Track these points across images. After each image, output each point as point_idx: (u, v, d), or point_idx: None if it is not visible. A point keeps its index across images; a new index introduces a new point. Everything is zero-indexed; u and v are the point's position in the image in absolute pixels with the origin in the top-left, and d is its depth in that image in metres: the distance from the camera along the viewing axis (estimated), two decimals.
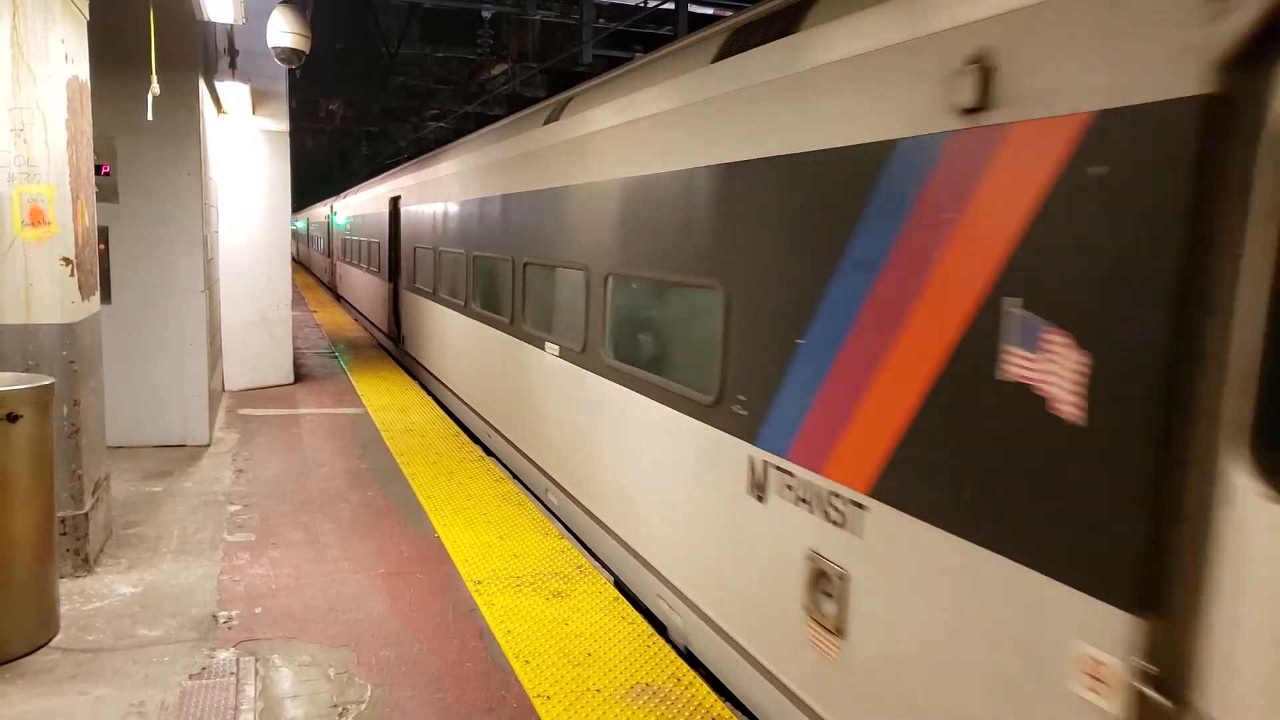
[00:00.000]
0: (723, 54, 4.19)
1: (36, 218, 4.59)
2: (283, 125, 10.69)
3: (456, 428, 9.07)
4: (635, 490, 5.10)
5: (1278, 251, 1.88)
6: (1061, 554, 2.31)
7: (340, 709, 3.71)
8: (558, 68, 15.70)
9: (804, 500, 3.44)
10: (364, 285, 18.97)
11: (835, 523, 3.24)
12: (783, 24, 3.74)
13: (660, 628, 4.75)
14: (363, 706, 3.74)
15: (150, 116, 6.38)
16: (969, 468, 2.62)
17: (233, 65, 9.26)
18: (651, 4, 14.54)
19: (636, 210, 4.97)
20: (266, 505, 6.35)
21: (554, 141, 6.47)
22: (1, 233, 4.53)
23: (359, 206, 19.71)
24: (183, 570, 5.10)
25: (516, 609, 4.76)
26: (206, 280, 8.02)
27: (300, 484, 6.91)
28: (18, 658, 3.99)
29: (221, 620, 4.48)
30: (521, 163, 7.24)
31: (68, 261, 4.71)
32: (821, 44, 3.39)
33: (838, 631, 3.23)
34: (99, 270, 5.47)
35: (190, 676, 3.90)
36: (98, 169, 6.92)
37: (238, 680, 3.88)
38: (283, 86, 10.62)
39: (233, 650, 4.16)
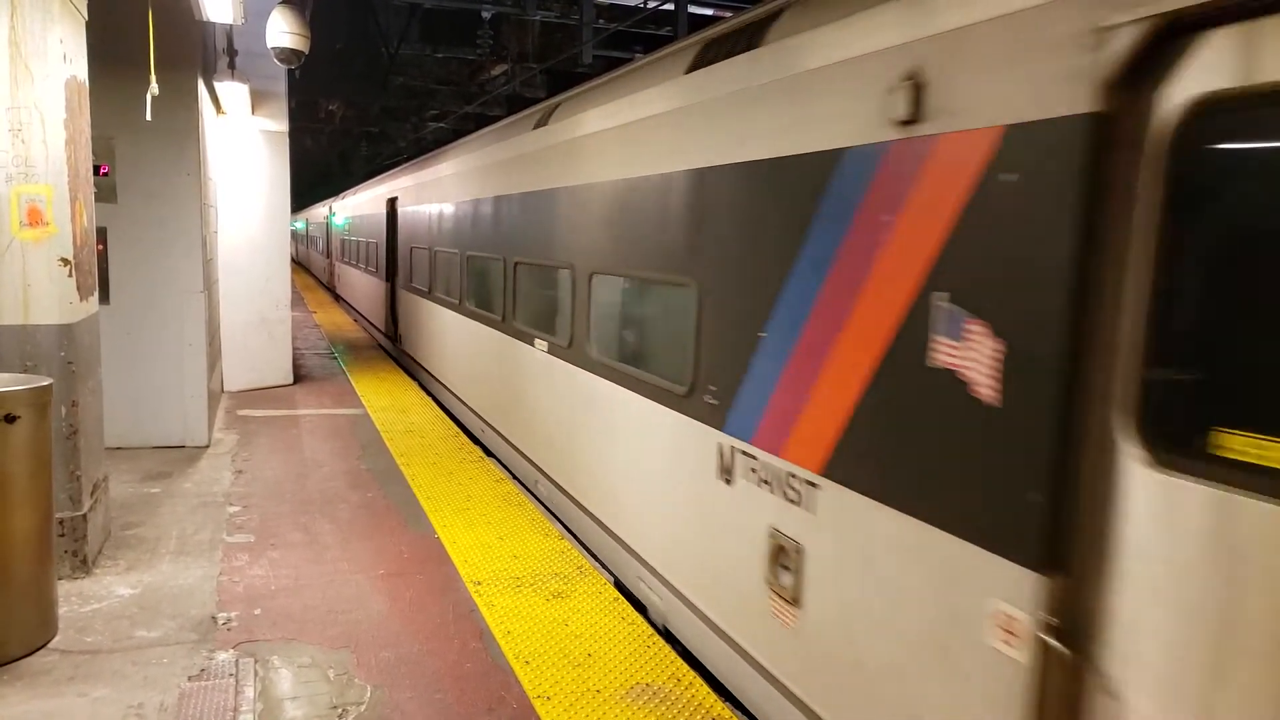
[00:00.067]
0: (695, 65, 4.42)
1: (35, 218, 4.58)
2: (282, 125, 10.68)
3: (456, 428, 9.06)
4: (618, 479, 5.33)
5: (1158, 250, 2.13)
6: (982, 522, 2.58)
7: (340, 710, 3.70)
8: (558, 68, 15.69)
9: (766, 481, 3.70)
10: (362, 285, 19.15)
11: (792, 501, 3.52)
12: (747, 39, 3.98)
13: (642, 609, 4.87)
14: (362, 708, 3.72)
15: (149, 117, 6.36)
16: (904, 447, 2.90)
17: (232, 65, 9.25)
18: (651, 5, 14.53)
19: (618, 212, 5.22)
20: (266, 506, 6.34)
21: (542, 146, 6.71)
22: None
23: (357, 207, 19.88)
24: (182, 571, 5.09)
25: (516, 610, 4.74)
26: (205, 281, 8.01)
27: (300, 485, 6.90)
28: (16, 659, 3.98)
29: (221, 621, 4.46)
30: (512, 166, 7.47)
31: (66, 262, 4.70)
32: (780, 59, 3.66)
33: (794, 601, 3.51)
34: (97, 271, 5.46)
35: (189, 678, 3.89)
36: (96, 169, 6.91)
37: (237, 681, 3.87)
38: (282, 87, 10.61)
39: (232, 651, 4.15)
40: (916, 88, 2.83)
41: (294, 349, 11.58)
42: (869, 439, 3.07)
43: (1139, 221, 2.17)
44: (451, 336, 10.08)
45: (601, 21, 15.50)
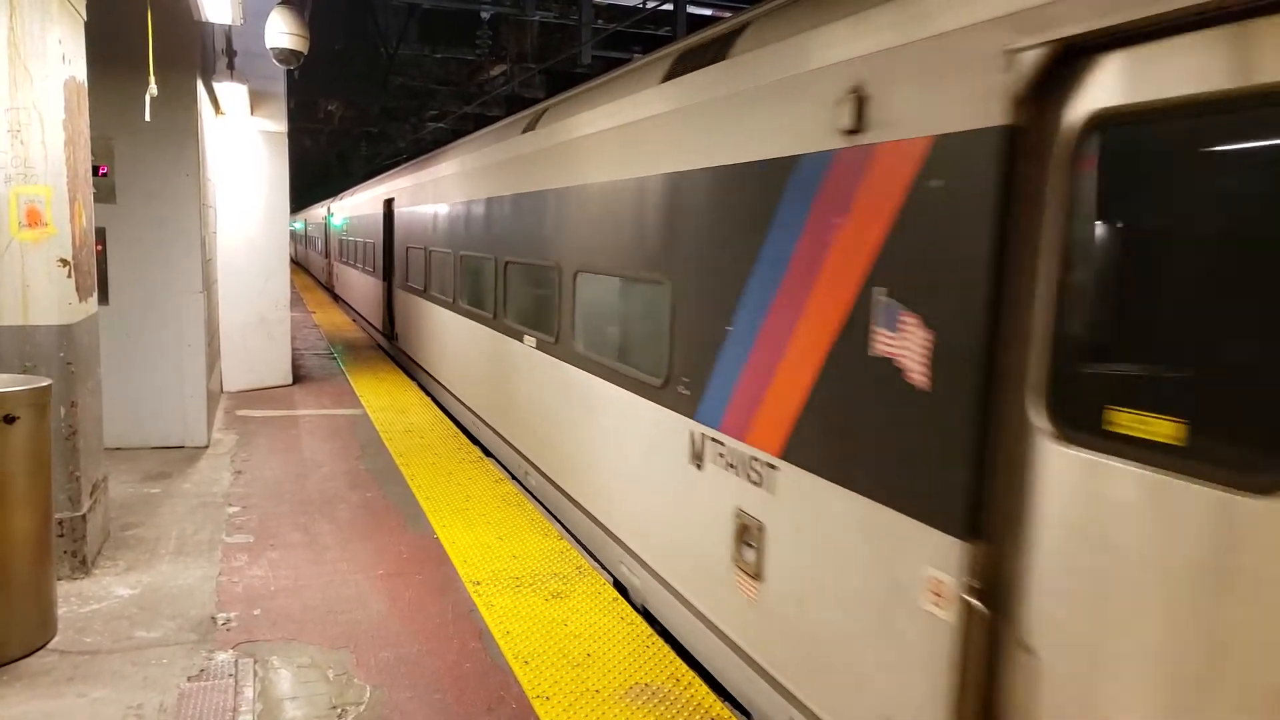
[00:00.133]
0: (669, 75, 4.67)
1: (34, 219, 4.58)
2: (281, 126, 10.68)
3: (455, 428, 9.07)
4: (602, 469, 5.58)
5: (1061, 249, 2.39)
6: (916, 496, 2.83)
7: (339, 710, 3.70)
8: (557, 69, 15.69)
9: (732, 465, 3.96)
10: (360, 284, 19.35)
11: (755, 482, 3.78)
12: (715, 52, 4.24)
13: (623, 591, 4.99)
14: (362, 708, 3.73)
15: (148, 117, 6.36)
16: (850, 430, 3.16)
17: (231, 66, 9.25)
18: (650, 5, 14.53)
19: (600, 213, 5.48)
20: (265, 506, 6.34)
21: (530, 149, 6.98)
22: None
23: (355, 208, 20.06)
24: (181, 572, 5.09)
25: (516, 610, 4.75)
26: (205, 281, 8.01)
27: (299, 485, 6.90)
28: (15, 660, 3.98)
29: (220, 622, 4.46)
30: (503, 168, 7.73)
31: (65, 263, 4.70)
32: (743, 71, 3.92)
33: (756, 576, 3.77)
34: (96, 271, 5.46)
35: (189, 678, 3.89)
36: (95, 170, 6.92)
37: (236, 682, 3.87)
38: (281, 87, 10.61)
39: (231, 652, 4.15)
40: (860, 100, 3.08)
41: (293, 349, 11.58)
42: (821, 423, 3.33)
43: (1047, 224, 2.43)
44: (446, 334, 10.29)
45: (600, 22, 15.49)
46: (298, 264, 41.60)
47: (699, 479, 4.25)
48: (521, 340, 7.19)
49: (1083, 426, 2.34)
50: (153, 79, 6.12)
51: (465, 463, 7.74)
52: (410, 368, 12.65)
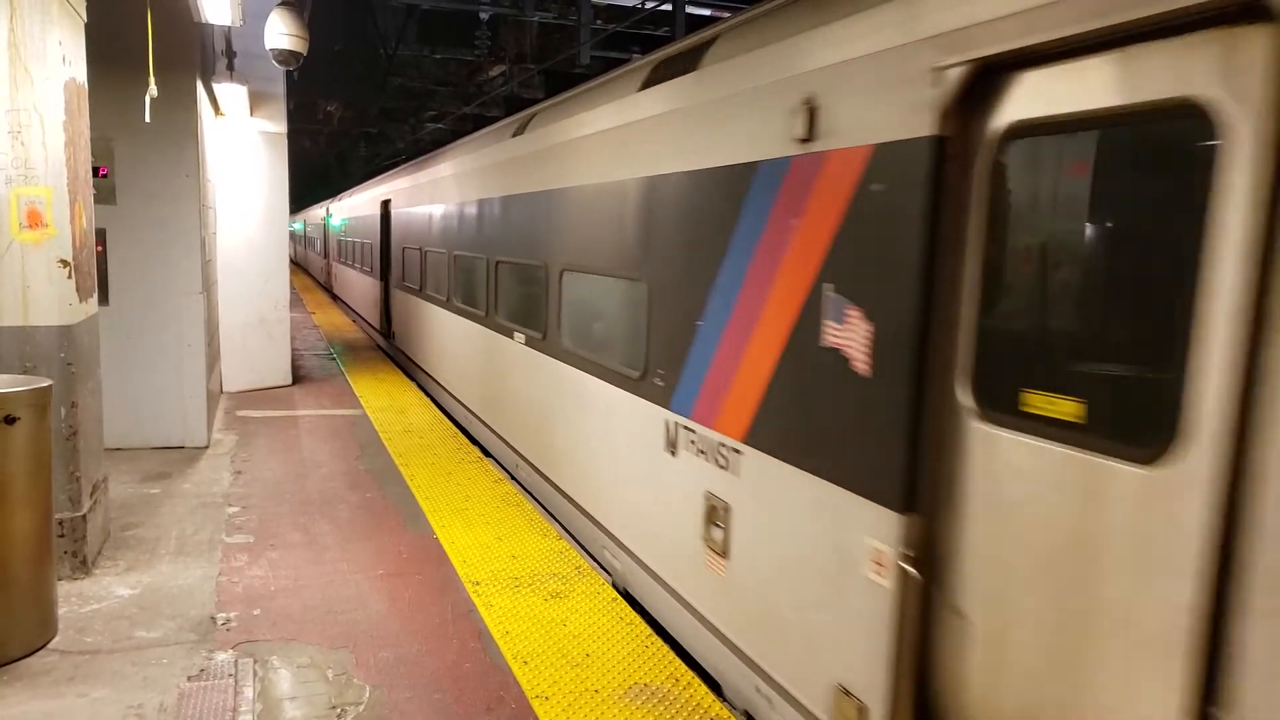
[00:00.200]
0: (646, 84, 4.90)
1: (34, 220, 4.59)
2: (280, 127, 10.68)
3: (454, 429, 9.08)
4: (586, 458, 5.83)
5: (983, 247, 2.66)
6: (860, 474, 3.08)
7: (339, 710, 3.71)
8: (556, 69, 15.69)
9: (702, 451, 4.20)
10: (358, 284, 19.57)
11: (722, 467, 4.02)
12: (687, 63, 4.49)
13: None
14: (361, 708, 3.74)
15: (148, 118, 6.37)
16: (804, 415, 3.41)
17: (230, 67, 9.25)
18: (649, 5, 14.54)
19: (584, 214, 5.74)
20: (265, 507, 6.35)
21: (519, 153, 7.22)
22: None
23: (353, 209, 20.26)
24: (181, 572, 5.10)
25: (515, 610, 4.76)
26: (204, 282, 8.02)
27: (299, 485, 6.91)
28: (16, 660, 3.99)
29: (220, 622, 4.47)
30: (494, 171, 7.99)
31: (65, 263, 4.71)
32: (710, 82, 4.16)
33: (723, 554, 4.03)
34: (97, 272, 5.47)
35: (189, 678, 3.90)
36: (95, 171, 6.93)
37: (236, 682, 3.88)
38: (280, 88, 10.61)
39: (231, 652, 4.16)
40: (811, 111, 3.33)
41: (293, 350, 11.59)
42: (779, 409, 3.58)
43: (971, 224, 2.70)
44: (441, 332, 10.50)
45: (599, 22, 15.49)
46: (297, 264, 41.58)
47: (673, 465, 4.49)
48: (512, 337, 7.43)
49: (1003, 407, 2.61)
50: (153, 80, 6.13)
51: (464, 463, 7.75)
52: (407, 366, 12.82)
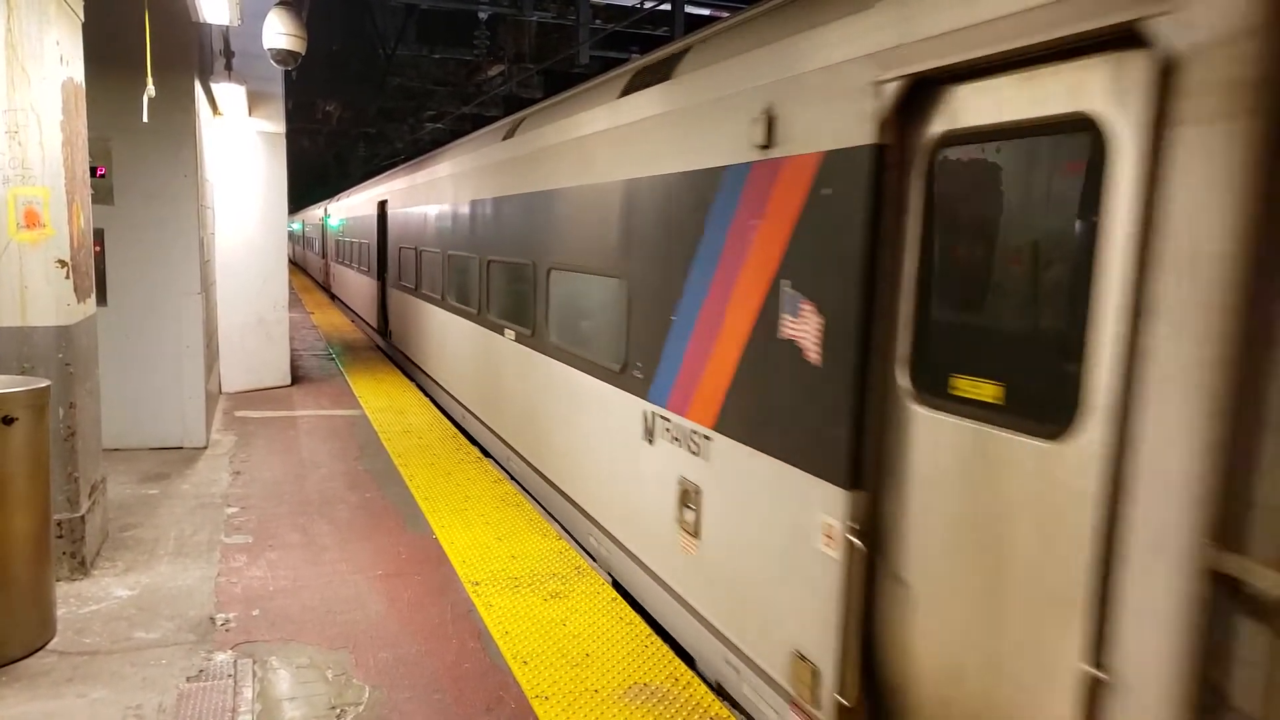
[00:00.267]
0: (625, 91, 5.14)
1: (31, 220, 4.58)
2: (279, 127, 10.67)
3: (454, 429, 9.07)
4: (572, 449, 6.07)
5: (919, 245, 2.92)
6: (813, 455, 3.33)
7: (338, 710, 3.71)
8: (554, 69, 15.68)
9: (676, 439, 4.45)
10: (355, 284, 19.80)
11: (694, 452, 4.27)
12: (661, 72, 4.74)
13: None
14: (361, 708, 3.73)
15: (146, 118, 6.36)
16: (766, 402, 3.66)
17: (228, 67, 9.24)
18: (648, 5, 14.53)
19: (569, 215, 5.98)
20: (264, 507, 6.34)
21: (509, 156, 7.47)
22: None
23: (350, 209, 20.49)
24: (180, 573, 5.09)
25: (514, 610, 4.75)
26: (203, 282, 8.01)
27: (298, 486, 6.90)
28: (15, 661, 3.98)
29: (219, 622, 4.47)
30: (485, 173, 8.24)
31: (63, 264, 4.70)
32: (681, 90, 4.42)
33: (695, 534, 4.28)
34: (95, 272, 5.46)
35: (188, 679, 3.90)
36: (93, 171, 6.92)
37: (235, 682, 3.87)
38: (279, 88, 10.60)
39: (230, 652, 4.16)
40: (770, 120, 3.59)
41: (292, 350, 11.58)
42: (744, 397, 3.84)
43: (908, 225, 2.96)
44: (436, 330, 10.70)
45: (598, 22, 15.48)
46: (296, 265, 41.57)
47: (650, 452, 4.75)
48: (502, 334, 7.68)
49: (935, 391, 2.87)
50: (150, 80, 6.12)
51: (464, 463, 7.74)
52: (403, 364, 12.97)
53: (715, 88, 4.07)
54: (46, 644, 4.16)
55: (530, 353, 6.92)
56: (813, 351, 3.33)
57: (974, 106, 2.70)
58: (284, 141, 10.77)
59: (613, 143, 5.23)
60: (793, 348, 3.45)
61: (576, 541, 5.94)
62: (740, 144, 3.80)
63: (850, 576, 3.13)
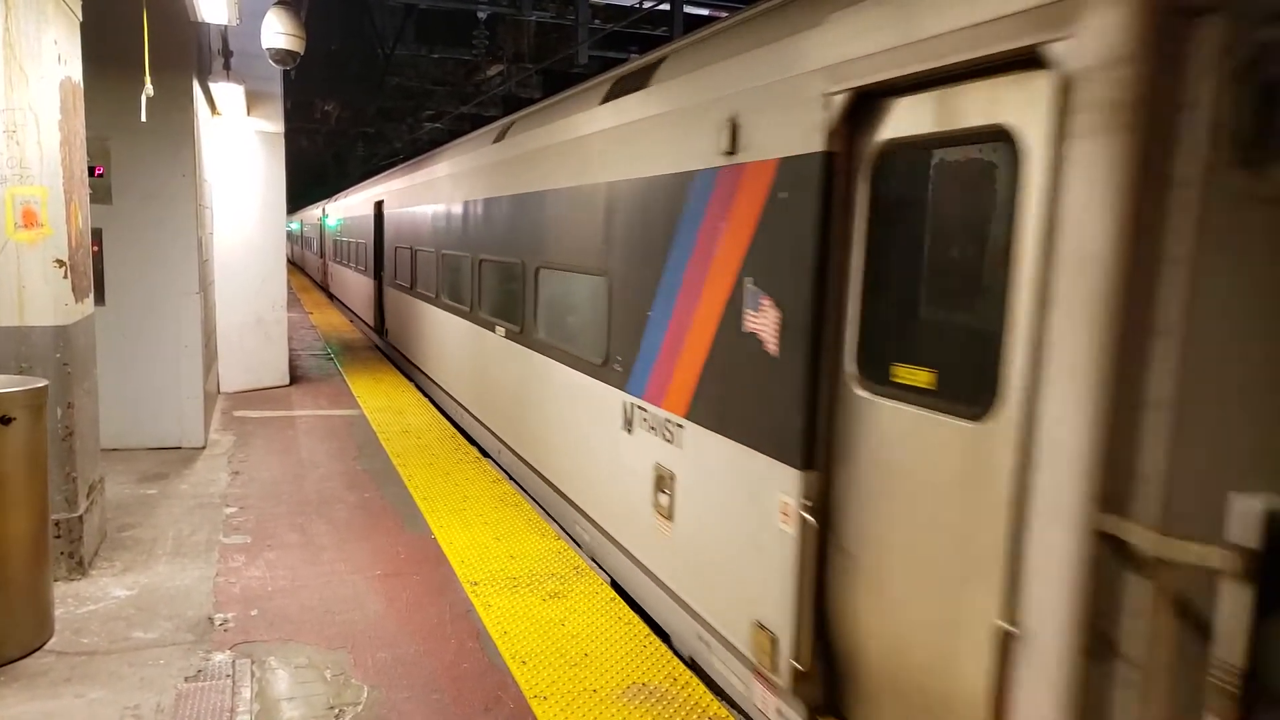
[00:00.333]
0: (607, 98, 5.38)
1: (29, 219, 4.58)
2: (277, 126, 10.66)
3: (452, 429, 9.07)
4: (557, 440, 6.31)
5: (864, 245, 3.17)
6: (772, 440, 3.58)
7: (337, 710, 3.70)
8: (553, 69, 15.68)
9: (653, 428, 4.69)
10: (353, 283, 19.97)
11: (669, 440, 4.51)
12: (640, 80, 4.98)
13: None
14: (359, 708, 3.73)
15: (144, 118, 6.35)
16: (731, 392, 3.91)
17: (227, 66, 9.24)
18: (647, 5, 14.52)
19: (555, 215, 6.22)
20: (262, 507, 6.33)
21: (500, 158, 7.72)
22: None
23: (348, 209, 20.65)
24: (178, 573, 5.09)
25: (513, 610, 4.75)
26: (201, 282, 8.00)
27: (296, 486, 6.90)
28: (12, 661, 3.98)
29: (217, 622, 4.46)
30: (477, 174, 8.48)
31: (61, 263, 4.69)
32: (658, 98, 4.66)
33: (669, 518, 4.52)
34: (93, 272, 5.45)
35: (186, 679, 3.89)
36: (91, 170, 6.91)
37: (234, 682, 3.87)
38: (277, 87, 10.59)
39: (229, 652, 4.15)
40: (734, 127, 3.83)
41: (290, 350, 11.58)
42: (712, 387, 4.08)
43: (855, 226, 3.21)
44: (430, 328, 10.91)
45: (597, 22, 15.48)
46: (294, 264, 41.55)
47: (629, 441, 4.99)
48: (493, 331, 7.92)
49: (878, 378, 3.12)
50: (149, 79, 6.11)
51: (462, 463, 7.74)
52: (400, 362, 13.13)
53: (686, 96, 4.32)
54: (44, 644, 4.15)
55: (519, 348, 7.15)
56: (771, 343, 3.57)
57: (910, 118, 2.96)
58: (282, 141, 10.76)
59: (595, 147, 5.48)
60: (754, 340, 3.69)
61: (565, 531, 6.04)
62: (708, 150, 4.04)
63: (804, 550, 3.38)
